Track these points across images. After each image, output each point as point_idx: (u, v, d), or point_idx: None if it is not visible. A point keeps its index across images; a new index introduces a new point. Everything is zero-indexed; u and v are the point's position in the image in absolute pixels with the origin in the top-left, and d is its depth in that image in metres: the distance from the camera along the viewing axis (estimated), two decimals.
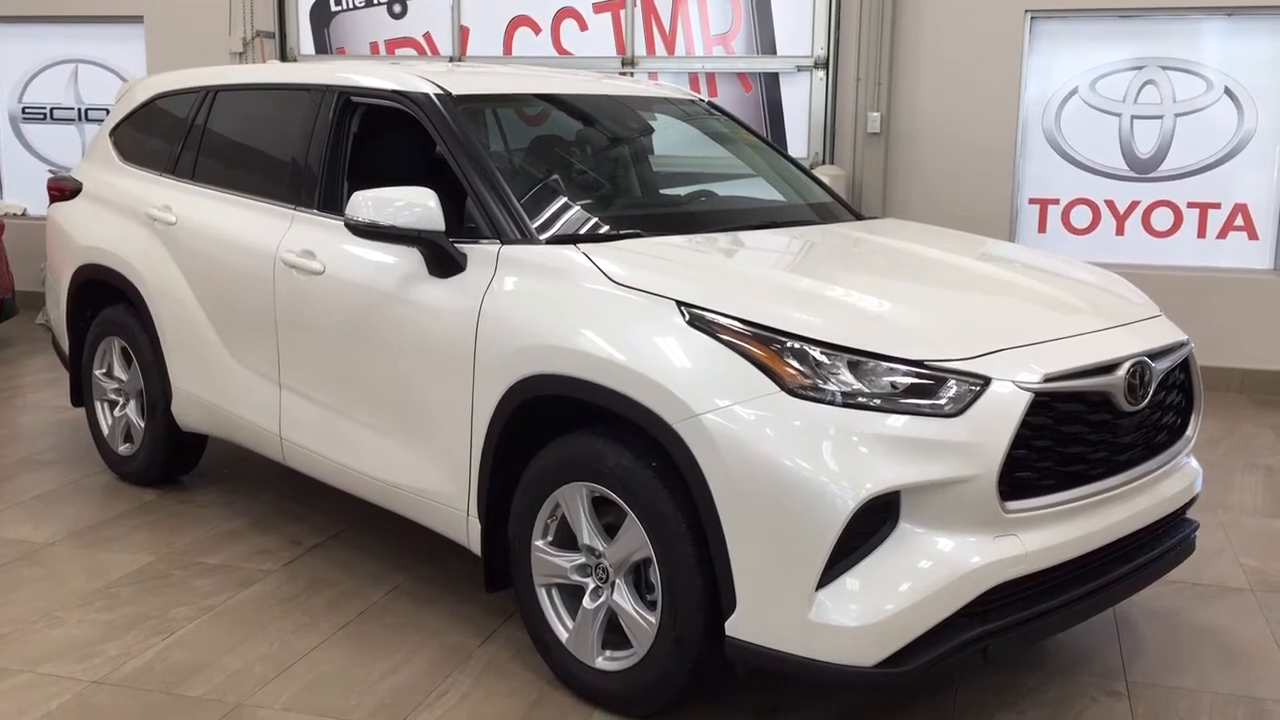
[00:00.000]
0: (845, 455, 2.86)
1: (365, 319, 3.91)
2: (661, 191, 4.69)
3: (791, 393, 2.92)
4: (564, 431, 3.37)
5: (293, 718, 3.29)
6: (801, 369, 2.94)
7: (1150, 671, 3.65)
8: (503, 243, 3.60)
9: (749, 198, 4.55)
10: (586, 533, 3.32)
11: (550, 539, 3.44)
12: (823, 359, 2.96)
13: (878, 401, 2.91)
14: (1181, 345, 3.48)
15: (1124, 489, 3.25)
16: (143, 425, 5.06)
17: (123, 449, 5.20)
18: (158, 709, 3.33)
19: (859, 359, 2.96)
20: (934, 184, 7.69)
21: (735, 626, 2.98)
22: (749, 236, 3.93)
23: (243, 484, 5.18)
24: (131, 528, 4.71)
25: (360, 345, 3.95)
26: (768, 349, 2.98)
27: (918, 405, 2.92)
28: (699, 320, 3.09)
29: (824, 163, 7.74)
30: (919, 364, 2.95)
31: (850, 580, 2.88)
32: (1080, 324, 3.29)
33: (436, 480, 3.72)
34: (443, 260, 3.66)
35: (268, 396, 4.38)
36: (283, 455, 4.38)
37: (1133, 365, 3.18)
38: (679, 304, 3.14)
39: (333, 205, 4.16)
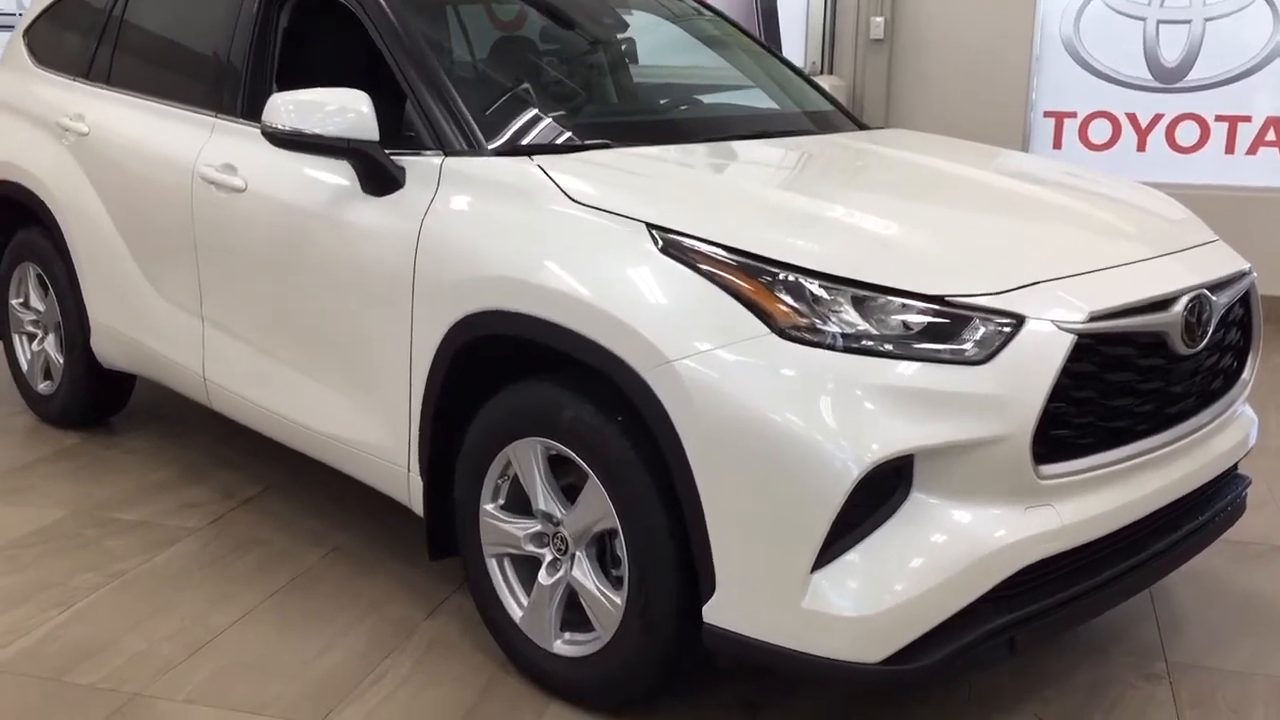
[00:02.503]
0: (847, 411, 2.35)
1: (292, 244, 3.38)
2: (641, 99, 4.12)
3: (783, 334, 2.40)
4: (518, 377, 2.86)
5: (197, 713, 2.81)
6: (796, 306, 2.43)
7: (1192, 649, 3.18)
8: (446, 154, 3.05)
9: (738, 105, 3.99)
10: (542, 496, 2.83)
11: (501, 502, 2.94)
12: (822, 294, 2.44)
13: (888, 345, 2.40)
14: (1243, 275, 2.96)
15: (1174, 446, 2.75)
16: (62, 361, 4.53)
17: (43, 387, 4.68)
18: (38, 701, 2.85)
19: (865, 294, 2.44)
20: (941, 96, 7.11)
21: (714, 612, 2.49)
22: (736, 147, 3.38)
23: (177, 426, 4.67)
24: (46, 476, 4.22)
25: (287, 274, 3.42)
26: (755, 281, 2.46)
27: (936, 350, 2.40)
28: (673, 247, 2.56)
29: (822, 72, 7.15)
30: (938, 299, 2.43)
31: (851, 561, 2.38)
32: (1128, 251, 2.77)
33: (373, 431, 3.22)
34: (377, 175, 3.12)
35: (189, 332, 3.86)
36: (208, 398, 3.87)
37: (1191, 300, 2.66)
38: (650, 227, 2.61)
39: (258, 112, 3.57)
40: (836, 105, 4.09)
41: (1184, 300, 2.64)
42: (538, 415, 2.77)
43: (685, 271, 2.52)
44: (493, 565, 2.97)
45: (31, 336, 4.73)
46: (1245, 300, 3.00)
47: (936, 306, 2.43)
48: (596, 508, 2.68)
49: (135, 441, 4.56)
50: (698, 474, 2.45)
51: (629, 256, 2.61)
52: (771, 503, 2.39)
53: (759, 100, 4.03)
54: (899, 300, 2.43)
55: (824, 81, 6.85)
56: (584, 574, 2.76)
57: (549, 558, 2.85)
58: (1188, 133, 6.97)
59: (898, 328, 2.42)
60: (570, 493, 2.78)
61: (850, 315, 2.42)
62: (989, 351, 2.40)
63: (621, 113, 3.76)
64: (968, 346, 2.40)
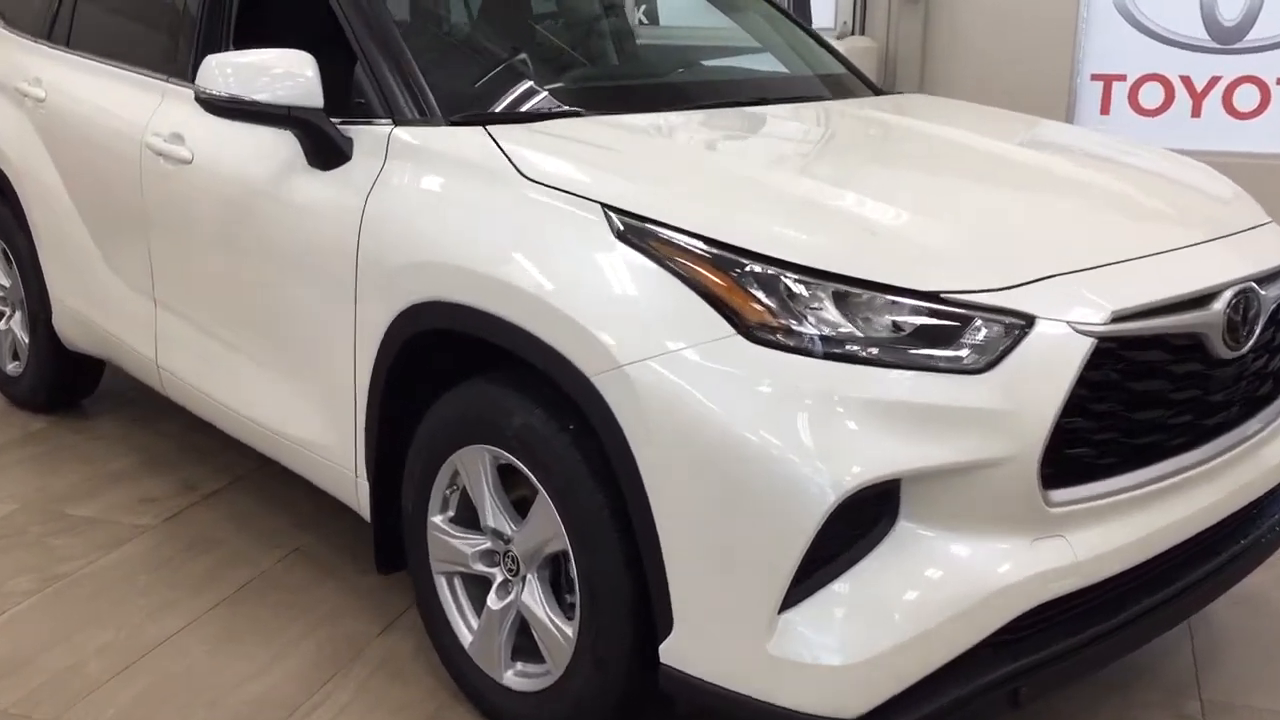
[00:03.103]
0: (823, 426, 2.02)
1: (238, 222, 3.08)
2: (636, 63, 3.76)
3: (752, 336, 2.07)
4: (468, 376, 2.55)
5: None
6: (767, 303, 2.09)
7: (1232, 686, 2.82)
8: (396, 123, 2.73)
9: (739, 69, 3.62)
10: (490, 511, 2.52)
11: (451, 515, 2.63)
12: (799, 289, 2.10)
13: (873, 350, 2.05)
14: None
15: (1214, 462, 2.39)
16: (27, 341, 4.28)
17: (11, 367, 4.43)
18: None
19: (848, 290, 2.09)
20: (980, 58, 6.66)
21: (671, 652, 2.17)
22: (726, 116, 3.03)
23: (150, 410, 4.39)
24: (4, 465, 3.97)
25: (233, 255, 3.12)
26: (721, 273, 2.12)
27: (930, 357, 2.05)
28: (632, 232, 2.23)
29: (854, 33, 6.73)
30: (933, 296, 2.08)
31: (826, 601, 2.05)
32: (1163, 237, 2.39)
33: (318, 429, 2.92)
34: (322, 146, 2.80)
35: (143, 315, 3.57)
36: (162, 386, 3.59)
37: (1236, 295, 2.29)
38: (606, 209, 2.28)
39: None
40: (850, 69, 3.71)
41: (1227, 295, 2.27)
42: (485, 420, 2.45)
43: (643, 260, 2.19)
44: (441, 583, 2.67)
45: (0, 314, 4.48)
46: None
47: (931, 304, 2.08)
48: (546, 527, 2.36)
49: (105, 426, 4.30)
50: (652, 494, 2.12)
51: (582, 242, 2.28)
52: (734, 530, 2.06)
53: (765, 63, 3.67)
54: (887, 297, 2.08)
55: (854, 42, 6.47)
56: (534, 599, 2.45)
57: (499, 579, 2.55)
58: (1247, 97, 6.48)
59: (886, 329, 2.08)
60: (523, 507, 2.47)
61: (831, 314, 2.08)
62: (992, 358, 2.05)
63: (606, 77, 3.39)
64: (966, 352, 2.06)
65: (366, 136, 2.75)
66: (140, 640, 2.92)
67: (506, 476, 2.49)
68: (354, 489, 2.85)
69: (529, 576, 2.46)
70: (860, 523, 2.06)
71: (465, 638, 2.63)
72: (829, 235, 2.20)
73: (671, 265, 2.16)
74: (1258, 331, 2.35)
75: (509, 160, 2.47)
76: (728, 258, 2.13)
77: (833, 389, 2.02)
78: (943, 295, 2.08)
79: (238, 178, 3.05)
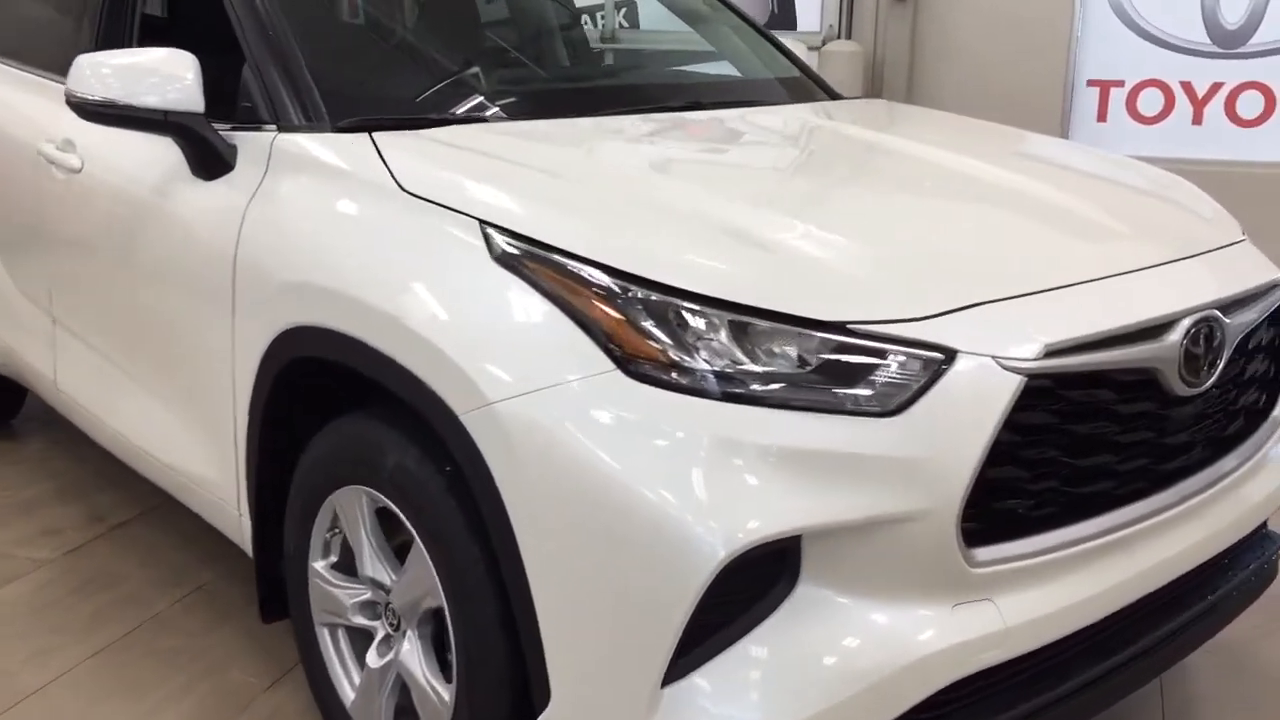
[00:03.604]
0: (711, 475, 1.76)
1: (124, 235, 2.84)
2: (572, 66, 3.50)
3: (635, 372, 1.82)
4: (349, 409, 2.30)
5: None
6: (655, 334, 1.84)
7: None
8: (280, 129, 2.49)
9: (681, 71, 3.37)
10: (369, 559, 2.27)
11: (333, 561, 2.39)
12: (689, 320, 1.84)
13: (771, 389, 1.80)
14: (1272, 288, 2.31)
15: (1175, 510, 2.12)
16: None
17: None
18: None
19: (745, 320, 1.84)
20: (971, 63, 6.39)
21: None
22: (649, 122, 2.77)
23: (75, 433, 4.15)
24: None
25: (121, 271, 2.89)
26: (605, 301, 1.87)
27: (833, 396, 1.80)
28: (510, 252, 1.98)
29: (840, 37, 6.47)
30: (839, 328, 1.82)
31: (713, 675, 1.79)
32: (1116, 259, 2.12)
33: (202, 461, 2.68)
34: (204, 154, 2.56)
35: (43, 333, 3.34)
36: (63, 409, 3.36)
37: (1194, 325, 2.02)
38: (485, 226, 2.03)
39: None
40: (807, 73, 3.45)
41: (1184, 325, 2.01)
42: (360, 459, 2.21)
43: (521, 285, 1.94)
44: (324, 636, 2.42)
45: None
46: (1276, 320, 2.36)
47: (836, 337, 1.82)
48: (423, 579, 2.11)
49: (29, 449, 4.07)
50: (524, 548, 1.87)
51: (457, 263, 2.03)
52: (612, 592, 1.81)
53: (719, 68, 3.42)
54: (789, 329, 1.82)
55: (839, 47, 6.21)
56: (414, 658, 2.20)
57: (381, 634, 2.30)
58: (1251, 104, 6.19)
59: (789, 365, 1.82)
60: (405, 555, 2.22)
61: (725, 348, 1.83)
62: (904, 398, 1.79)
63: (525, 80, 3.13)
64: (874, 391, 1.80)
65: (250, 144, 2.52)
66: (10, 691, 2.68)
67: (389, 521, 2.24)
68: (239, 527, 2.61)
69: (409, 633, 2.21)
70: (756, 585, 1.80)
71: (348, 696, 2.38)
72: (727, 258, 1.94)
73: (549, 290, 1.91)
74: (1221, 365, 2.09)
75: (389, 171, 2.22)
76: (610, 283, 1.88)
77: (723, 433, 1.77)
78: (850, 326, 1.82)
79: (124, 188, 2.82)
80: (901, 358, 1.80)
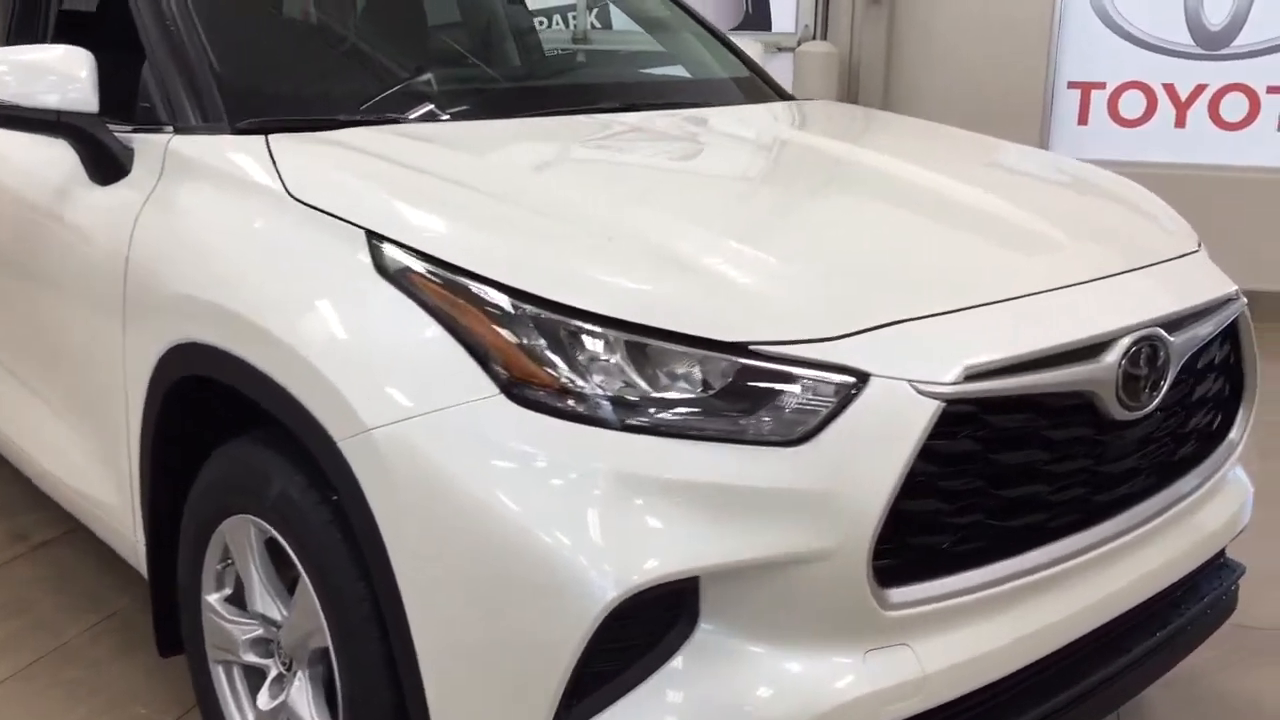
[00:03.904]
0: (600, 510, 1.62)
1: (23, 244, 2.70)
2: (508, 66, 3.32)
3: (521, 397, 1.67)
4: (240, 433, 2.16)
5: None
6: (546, 356, 1.69)
7: None
8: (176, 131, 2.34)
9: (622, 70, 3.23)
10: (258, 593, 2.13)
11: (227, 594, 2.24)
12: (583, 339, 1.69)
13: (669, 415, 1.65)
14: (1226, 303, 2.16)
15: (1119, 541, 1.97)
16: None
17: None
18: None
19: (640, 340, 1.69)
20: (949, 64, 6.25)
21: None
22: (571, 124, 2.62)
23: None
24: None
25: (18, 281, 2.74)
26: (490, 319, 1.73)
27: (733, 425, 1.65)
28: (395, 265, 1.83)
29: (815, 37, 6.32)
30: (741, 349, 1.67)
31: None
32: (1054, 272, 1.97)
33: (100, 483, 2.54)
34: (99, 157, 2.42)
35: None
36: None
37: (1135, 343, 1.87)
38: (370, 236, 1.88)
39: None
40: (758, 73, 3.30)
41: (1123, 344, 1.86)
42: (247, 486, 2.06)
43: (405, 300, 1.80)
44: (218, 673, 2.27)
45: None
46: (1231, 336, 2.21)
47: (737, 359, 1.67)
48: (310, 616, 1.96)
49: None
50: (403, 586, 1.73)
51: (341, 276, 1.89)
52: (495, 634, 1.67)
53: (672, 68, 3.28)
54: (686, 350, 1.68)
55: (814, 48, 6.08)
56: (303, 701, 2.05)
57: (273, 673, 2.15)
58: (1235, 107, 6.06)
59: (688, 391, 1.68)
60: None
61: (620, 372, 1.68)
62: (810, 426, 1.65)
63: (450, 81, 2.95)
64: (778, 418, 1.65)
65: (146, 146, 2.37)
66: None
67: (281, 553, 2.09)
68: (136, 554, 2.46)
69: (300, 673, 2.07)
70: (652, 629, 1.66)
71: None
72: (627, 273, 1.78)
73: (434, 307, 1.76)
74: (1166, 386, 1.94)
75: (279, 177, 2.08)
76: (498, 299, 1.73)
77: (614, 464, 1.63)
78: (752, 347, 1.67)
79: (23, 193, 2.68)
80: (808, 382, 1.66)
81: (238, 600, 2.21)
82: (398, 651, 1.76)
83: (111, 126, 2.42)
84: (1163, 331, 1.93)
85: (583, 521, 1.61)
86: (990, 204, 2.19)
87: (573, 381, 1.67)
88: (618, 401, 1.66)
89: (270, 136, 2.21)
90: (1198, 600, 2.26)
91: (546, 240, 1.86)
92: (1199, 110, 6.11)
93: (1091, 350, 1.84)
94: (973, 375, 1.70)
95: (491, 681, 1.68)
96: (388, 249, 1.84)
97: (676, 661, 1.66)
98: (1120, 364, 1.85)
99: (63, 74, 2.32)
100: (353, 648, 1.87)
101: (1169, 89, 6.13)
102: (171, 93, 2.38)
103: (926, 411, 1.65)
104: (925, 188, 2.29)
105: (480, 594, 1.67)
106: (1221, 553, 2.37)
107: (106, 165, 2.41)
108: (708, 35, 3.32)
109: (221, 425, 2.18)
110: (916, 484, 1.68)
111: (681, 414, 1.65)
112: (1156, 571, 2.07)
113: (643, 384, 1.67)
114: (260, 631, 2.15)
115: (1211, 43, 6.03)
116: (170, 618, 2.39)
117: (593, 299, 1.71)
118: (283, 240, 2.00)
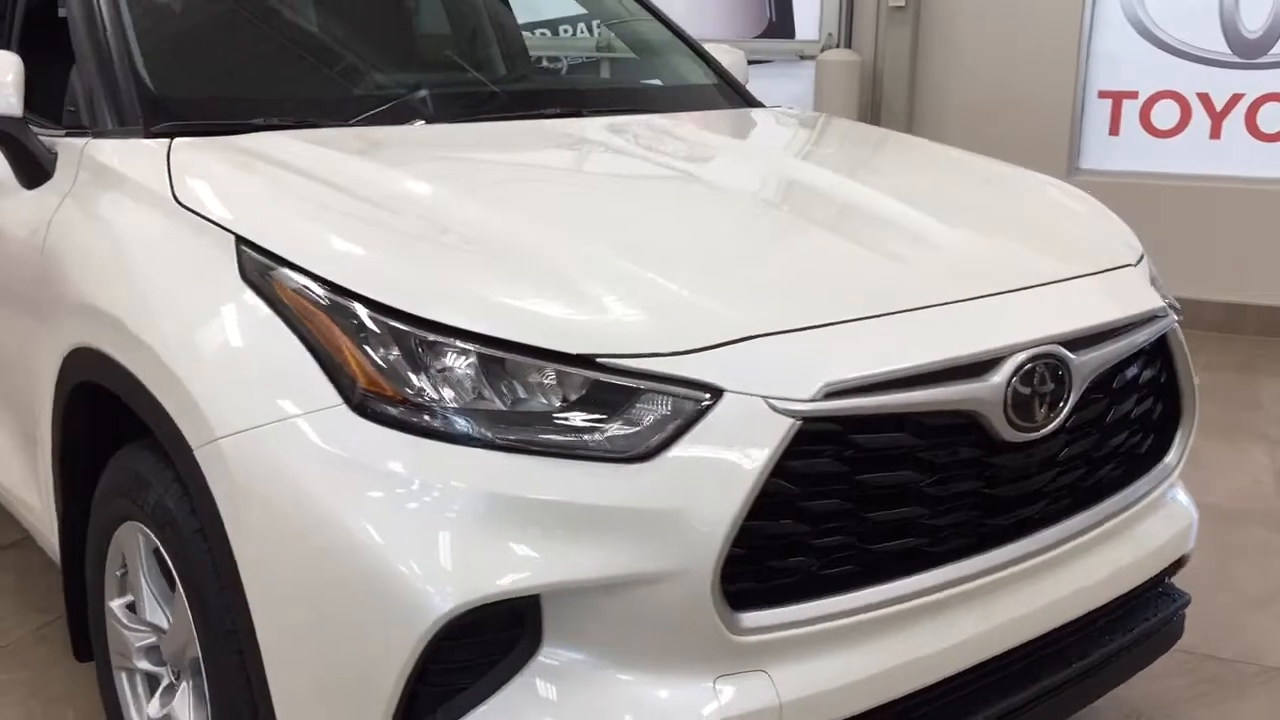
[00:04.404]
0: (437, 525, 1.57)
1: None
2: (454, 71, 3.23)
3: (364, 408, 1.63)
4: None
5: None
6: (393, 367, 1.64)
7: None
8: (94, 135, 2.34)
9: (566, 76, 3.17)
10: (147, 601, 2.11)
11: (128, 600, 2.22)
12: (429, 351, 1.65)
13: (513, 430, 1.60)
14: (1150, 319, 2.05)
15: (1017, 568, 1.88)
16: None
17: None
18: None
19: (489, 352, 1.63)
20: (976, 73, 6.12)
21: None
22: (482, 131, 2.57)
23: None
24: None
25: None
26: (339, 327, 1.69)
27: (577, 440, 1.59)
28: (258, 271, 1.80)
29: (839, 45, 6.23)
30: (587, 361, 1.62)
31: None
32: (947, 287, 1.87)
33: (24, 486, 2.54)
34: (23, 161, 2.42)
35: None
36: None
37: (1027, 362, 1.78)
38: (239, 241, 1.85)
39: None
40: (724, 77, 3.23)
41: (1012, 363, 1.77)
42: (130, 492, 2.04)
43: (263, 307, 1.76)
44: (121, 680, 2.26)
45: None
46: (1164, 355, 2.10)
47: (583, 372, 1.61)
48: (186, 626, 1.93)
49: None
50: (251, 599, 1.70)
51: (210, 282, 1.86)
52: (334, 650, 1.63)
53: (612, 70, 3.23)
54: (531, 362, 1.62)
55: (835, 56, 5.99)
56: (184, 710, 2.03)
57: (165, 681, 2.13)
58: (1273, 117, 5.86)
59: (537, 404, 1.62)
60: None
61: (470, 385, 1.63)
62: (656, 442, 1.58)
63: (379, 85, 2.85)
64: (624, 434, 1.59)
65: (67, 151, 2.37)
66: None
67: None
68: (57, 557, 2.46)
69: (185, 683, 2.04)
70: (493, 649, 1.60)
71: None
72: (477, 283, 1.72)
73: (288, 315, 1.73)
74: (1068, 407, 1.84)
75: (170, 181, 2.06)
76: (347, 306, 1.69)
77: (453, 479, 1.58)
78: (600, 360, 1.61)
79: None
80: (656, 396, 1.60)
81: (136, 607, 2.20)
82: (249, 664, 1.73)
83: (41, 131, 2.42)
84: (1063, 349, 1.83)
85: (416, 537, 1.56)
86: (895, 216, 2.09)
87: (420, 394, 1.62)
88: (463, 415, 1.61)
89: (175, 141, 2.19)
90: (1126, 630, 2.15)
91: (406, 250, 1.81)
92: (1235, 120, 5.92)
93: (977, 368, 1.75)
94: (834, 392, 1.62)
95: (334, 699, 1.64)
96: (253, 255, 1.81)
97: (519, 682, 1.60)
98: (1009, 383, 1.76)
99: None
100: (217, 659, 1.83)
101: (1204, 98, 5.95)
102: (94, 96, 2.38)
103: (780, 429, 1.58)
104: (829, 198, 2.21)
105: (319, 608, 1.63)
106: (1159, 580, 2.26)
107: (30, 168, 2.41)
108: (673, 39, 3.26)
109: (124, 431, 2.17)
110: (773, 504, 1.61)
111: (524, 428, 1.60)
112: (1068, 599, 1.97)
113: (494, 398, 1.62)
114: (153, 639, 2.13)
115: (1249, 50, 5.84)
116: (82, 623, 2.39)
117: (444, 311, 1.66)
118: (166, 246, 1.98)
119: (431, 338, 1.64)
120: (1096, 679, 2.10)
